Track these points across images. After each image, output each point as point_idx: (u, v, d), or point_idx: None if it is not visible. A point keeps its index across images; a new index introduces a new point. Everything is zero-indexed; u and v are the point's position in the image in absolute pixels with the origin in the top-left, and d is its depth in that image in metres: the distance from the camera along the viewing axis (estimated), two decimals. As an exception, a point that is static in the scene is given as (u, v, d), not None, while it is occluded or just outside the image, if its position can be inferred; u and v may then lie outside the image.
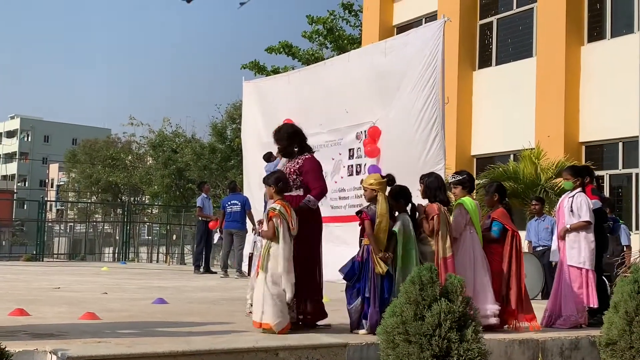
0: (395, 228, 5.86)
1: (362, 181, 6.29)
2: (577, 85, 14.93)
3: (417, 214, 6.17)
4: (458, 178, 6.57)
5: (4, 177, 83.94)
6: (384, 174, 6.33)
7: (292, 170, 6.14)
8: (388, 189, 6.05)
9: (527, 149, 13.90)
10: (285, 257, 5.62)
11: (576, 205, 7.06)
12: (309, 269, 5.96)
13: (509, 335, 6.00)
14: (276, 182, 5.90)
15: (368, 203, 6.01)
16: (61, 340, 4.77)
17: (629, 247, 11.09)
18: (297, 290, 5.70)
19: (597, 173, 11.72)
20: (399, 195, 6.09)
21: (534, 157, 13.48)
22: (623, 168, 14.50)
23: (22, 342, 4.61)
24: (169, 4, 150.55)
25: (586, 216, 7.01)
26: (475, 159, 16.72)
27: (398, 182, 6.15)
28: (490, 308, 6.22)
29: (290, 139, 6.25)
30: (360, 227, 6.03)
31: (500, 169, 13.61)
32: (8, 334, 4.70)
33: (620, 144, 14.48)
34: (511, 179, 13.03)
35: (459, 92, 16.45)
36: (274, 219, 5.69)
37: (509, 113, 15.89)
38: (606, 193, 13.66)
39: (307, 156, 6.21)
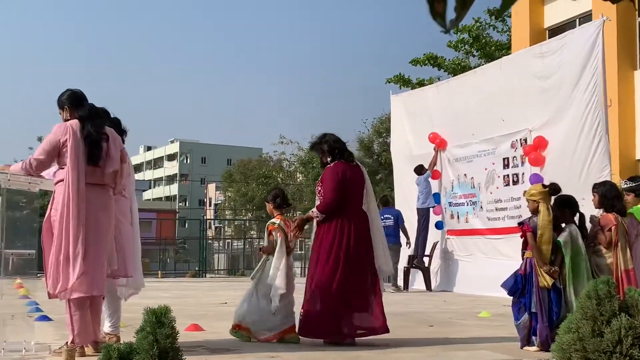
0: (561, 239, 5.61)
1: (524, 192, 6.09)
2: None
3: (592, 225, 5.85)
4: (630, 185, 6.17)
5: (167, 197, 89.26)
6: (546, 182, 6.09)
7: (319, 180, 6.13)
8: (552, 198, 5.81)
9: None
10: (275, 266, 5.72)
11: None
12: (324, 282, 5.81)
13: (696, 354, 5.54)
14: (274, 198, 6.11)
15: (531, 215, 5.81)
16: (237, 355, 4.98)
17: None
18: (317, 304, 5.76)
19: None
20: (564, 205, 5.81)
21: None
22: None
23: (202, 356, 4.86)
24: (313, 26, 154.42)
25: None
26: (640, 163, 15.71)
27: (561, 190, 5.89)
28: (670, 324, 5.79)
29: (321, 150, 6.15)
30: (522, 240, 5.83)
31: (671, 172, 12.69)
32: (188, 349, 4.93)
33: None
34: (684, 183, 12.09)
35: (620, 94, 15.55)
36: (273, 232, 5.83)
37: (676, 112, 14.82)
38: None
39: (329, 165, 6.04)
